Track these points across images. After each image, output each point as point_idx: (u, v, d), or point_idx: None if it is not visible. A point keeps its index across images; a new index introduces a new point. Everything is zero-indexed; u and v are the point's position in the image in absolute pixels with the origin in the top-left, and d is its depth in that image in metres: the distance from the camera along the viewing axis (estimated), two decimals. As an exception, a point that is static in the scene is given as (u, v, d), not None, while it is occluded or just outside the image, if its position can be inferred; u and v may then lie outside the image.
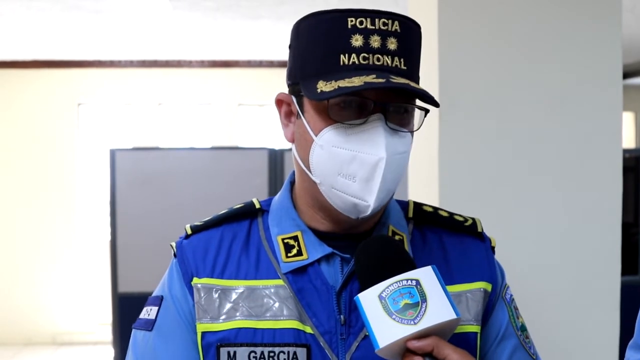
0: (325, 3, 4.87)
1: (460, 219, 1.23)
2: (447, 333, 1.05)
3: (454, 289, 1.14)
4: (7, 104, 7.40)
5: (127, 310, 4.31)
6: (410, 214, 1.22)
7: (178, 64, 7.51)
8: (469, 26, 2.39)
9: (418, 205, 1.24)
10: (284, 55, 7.31)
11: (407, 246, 1.17)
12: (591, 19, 2.42)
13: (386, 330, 1.01)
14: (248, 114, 7.74)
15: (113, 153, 4.35)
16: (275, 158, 4.40)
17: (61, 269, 7.43)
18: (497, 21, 2.40)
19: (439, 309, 1.02)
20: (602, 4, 2.42)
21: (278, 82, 7.93)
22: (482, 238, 1.23)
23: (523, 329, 1.22)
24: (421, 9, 2.53)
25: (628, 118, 8.38)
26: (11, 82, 7.38)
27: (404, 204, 1.23)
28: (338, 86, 1.03)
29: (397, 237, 1.16)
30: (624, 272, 2.52)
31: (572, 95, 2.42)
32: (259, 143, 7.61)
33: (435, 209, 1.24)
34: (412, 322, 1.00)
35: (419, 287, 1.03)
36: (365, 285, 1.04)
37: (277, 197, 1.22)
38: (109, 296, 4.43)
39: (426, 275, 1.04)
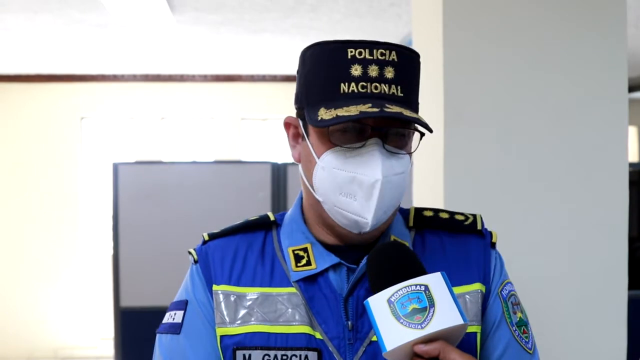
0: (328, 17, 4.88)
1: (461, 217, 1.30)
2: (455, 338, 1.07)
3: (454, 290, 1.17)
4: (10, 118, 7.42)
5: (129, 324, 4.30)
6: (411, 223, 1.29)
7: (181, 78, 7.53)
8: (473, 39, 2.39)
9: (418, 211, 1.31)
10: (287, 69, 7.34)
11: None
12: (596, 33, 2.42)
13: (394, 334, 1.04)
14: (251, 128, 7.75)
15: (116, 167, 4.34)
16: (278, 172, 4.40)
17: (63, 283, 7.42)
18: (502, 34, 2.40)
19: (446, 314, 1.04)
20: (607, 19, 2.42)
21: (281, 96, 7.98)
22: (483, 235, 1.29)
23: (520, 324, 1.27)
24: (426, 22, 2.54)
25: (632, 132, 8.38)
26: (14, 95, 7.40)
27: (405, 213, 1.31)
28: (336, 115, 1.11)
29: None
30: (629, 286, 2.50)
31: (577, 108, 2.41)
32: (262, 157, 7.61)
33: (437, 211, 1.31)
34: (419, 327, 1.03)
35: (427, 292, 1.06)
36: (376, 289, 1.08)
37: (289, 212, 1.31)
38: (111, 310, 4.41)
39: (435, 281, 1.07)
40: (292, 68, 7.15)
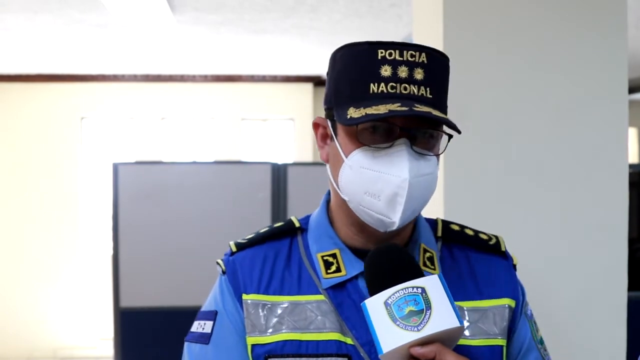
0: (329, 17, 4.88)
1: (485, 237, 1.33)
2: (451, 341, 1.08)
3: (482, 304, 1.23)
4: (10, 118, 7.42)
5: (128, 325, 4.30)
6: (439, 233, 1.31)
7: (181, 78, 7.53)
8: (474, 39, 2.38)
9: (446, 224, 1.33)
10: (288, 70, 7.34)
11: (436, 262, 1.25)
12: (597, 34, 2.41)
13: (390, 336, 1.04)
14: (251, 129, 7.75)
15: (116, 167, 4.34)
16: (279, 172, 4.39)
17: (63, 283, 7.42)
18: (502, 34, 2.40)
19: (442, 317, 1.05)
20: (607, 20, 2.42)
21: (281, 96, 7.97)
22: (505, 256, 1.32)
23: (541, 342, 1.31)
24: (426, 22, 2.54)
25: (632, 133, 8.38)
26: (15, 95, 7.40)
27: (432, 222, 1.33)
28: (365, 113, 1.12)
29: (427, 255, 1.26)
30: (628, 287, 2.50)
31: (578, 109, 2.41)
32: (262, 157, 7.61)
33: (462, 227, 1.33)
34: (415, 329, 1.03)
35: (424, 294, 1.06)
36: (373, 291, 1.09)
37: (314, 215, 1.32)
38: (111, 311, 4.41)
39: (432, 284, 1.07)
40: (292, 68, 7.16)
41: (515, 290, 1.28)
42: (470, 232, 1.32)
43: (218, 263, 1.31)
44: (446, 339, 1.05)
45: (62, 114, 7.43)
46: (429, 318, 1.04)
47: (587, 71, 2.41)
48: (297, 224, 1.31)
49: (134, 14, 4.61)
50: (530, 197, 2.40)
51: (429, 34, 2.48)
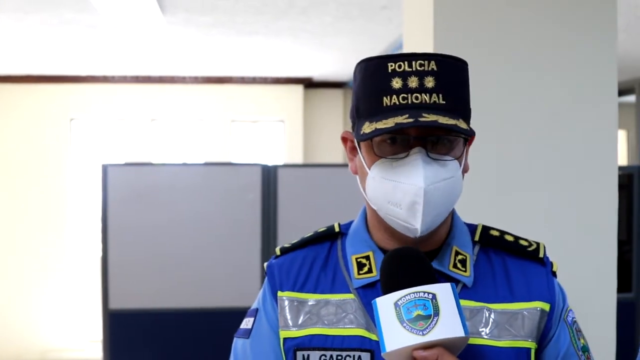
0: (320, 20, 4.88)
1: (525, 243, 1.35)
2: (456, 349, 1.10)
3: (512, 306, 1.25)
4: (-1, 119, 7.39)
5: (117, 327, 4.28)
6: (477, 238, 1.33)
7: (172, 79, 7.51)
8: (464, 42, 2.39)
9: (486, 229, 1.35)
10: (278, 72, 7.34)
11: (468, 265, 1.28)
12: (587, 38, 2.42)
13: (395, 336, 1.08)
14: (241, 130, 7.75)
15: (105, 168, 4.32)
16: (269, 174, 4.39)
17: (51, 285, 7.38)
18: (492, 38, 2.40)
19: (449, 325, 1.07)
20: (598, 24, 2.43)
21: (272, 98, 7.95)
22: (544, 263, 1.33)
23: (584, 349, 1.32)
24: (417, 25, 2.54)
25: (620, 136, 8.42)
26: (4, 96, 7.37)
27: (472, 227, 1.35)
28: (375, 128, 1.17)
29: (459, 257, 1.28)
30: (618, 289, 2.51)
31: (568, 112, 2.42)
32: (252, 159, 7.61)
33: (502, 233, 1.35)
34: (420, 333, 1.06)
35: (434, 300, 1.08)
36: (386, 290, 1.12)
37: (355, 221, 1.38)
38: (100, 313, 4.39)
39: (443, 291, 1.10)
40: (283, 70, 7.16)
41: (551, 294, 1.29)
42: (510, 238, 1.34)
43: (264, 267, 1.39)
44: (451, 346, 1.07)
45: (51, 115, 7.41)
46: (435, 324, 1.06)
47: (578, 74, 2.42)
48: (337, 229, 1.37)
49: (124, 15, 4.60)
50: (521, 199, 2.41)
51: (420, 37, 2.48)
